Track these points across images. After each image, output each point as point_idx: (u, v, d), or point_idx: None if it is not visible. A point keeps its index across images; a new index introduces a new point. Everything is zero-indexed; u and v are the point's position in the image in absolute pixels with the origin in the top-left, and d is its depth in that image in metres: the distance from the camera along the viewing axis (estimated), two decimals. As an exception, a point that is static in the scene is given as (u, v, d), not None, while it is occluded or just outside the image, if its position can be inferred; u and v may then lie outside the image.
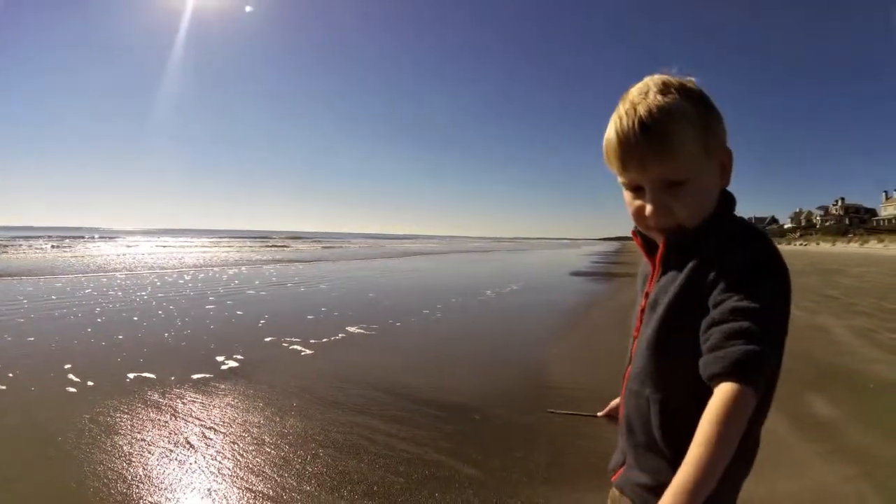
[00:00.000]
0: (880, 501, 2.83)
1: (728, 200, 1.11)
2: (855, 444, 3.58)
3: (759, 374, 0.89)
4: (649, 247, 1.19)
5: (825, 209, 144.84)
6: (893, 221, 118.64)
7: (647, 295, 1.17)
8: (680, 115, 1.01)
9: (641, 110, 1.02)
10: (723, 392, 0.88)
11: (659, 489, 0.86)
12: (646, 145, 1.02)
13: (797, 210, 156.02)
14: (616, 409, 1.45)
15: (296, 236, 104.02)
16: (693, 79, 1.08)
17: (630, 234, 1.23)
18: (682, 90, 1.04)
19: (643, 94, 1.05)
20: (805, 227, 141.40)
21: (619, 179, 1.12)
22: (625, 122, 1.03)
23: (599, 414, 1.50)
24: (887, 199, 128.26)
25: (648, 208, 1.08)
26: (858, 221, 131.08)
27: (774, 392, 1.06)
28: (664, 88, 1.04)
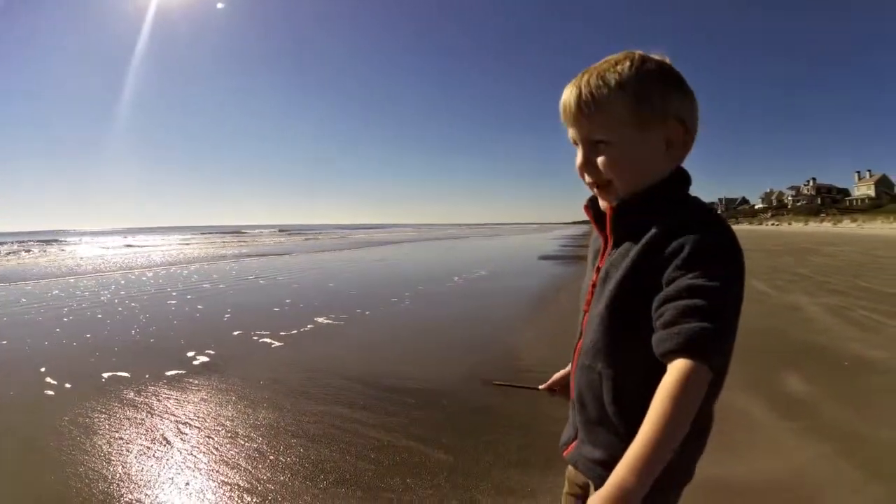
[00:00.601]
0: (858, 478, 2.89)
1: (681, 178, 1.16)
2: (831, 422, 3.64)
3: (713, 351, 0.90)
4: (601, 220, 1.22)
5: (796, 189, 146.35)
6: (866, 201, 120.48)
7: (598, 269, 1.20)
8: (616, 84, 1.10)
9: (586, 78, 1.13)
10: (677, 368, 0.90)
11: (612, 463, 0.88)
12: (576, 106, 1.13)
13: (768, 190, 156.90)
14: (558, 382, 1.52)
15: (283, 229, 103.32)
16: (656, 57, 1.15)
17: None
18: (639, 64, 1.12)
19: (603, 63, 1.14)
20: (776, 208, 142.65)
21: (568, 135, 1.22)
22: (572, 88, 1.14)
23: (541, 387, 1.54)
24: (860, 179, 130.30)
25: (579, 160, 1.18)
26: (831, 201, 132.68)
27: (727, 372, 1.08)
28: (621, 60, 1.12)
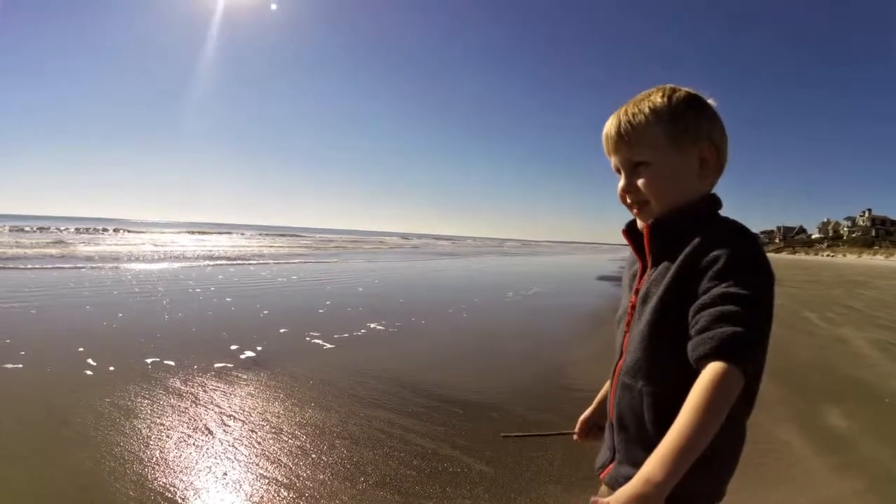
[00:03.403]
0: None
1: (713, 201, 1.21)
2: (867, 459, 3.56)
3: (746, 357, 0.93)
4: (638, 244, 1.27)
5: (852, 220, 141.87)
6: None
7: (636, 291, 1.23)
8: (651, 112, 1.18)
9: (623, 109, 1.23)
10: (710, 370, 0.92)
11: None
12: (616, 134, 1.22)
13: (825, 220, 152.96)
14: (588, 420, 1.54)
15: (405, 236, 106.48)
16: (686, 89, 1.23)
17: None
18: (671, 93, 1.21)
19: (638, 96, 1.24)
20: (833, 238, 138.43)
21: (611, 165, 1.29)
22: (612, 119, 1.25)
23: (577, 436, 1.56)
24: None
25: (621, 184, 1.24)
26: (885, 234, 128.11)
27: (759, 387, 1.10)
28: (654, 92, 1.22)
